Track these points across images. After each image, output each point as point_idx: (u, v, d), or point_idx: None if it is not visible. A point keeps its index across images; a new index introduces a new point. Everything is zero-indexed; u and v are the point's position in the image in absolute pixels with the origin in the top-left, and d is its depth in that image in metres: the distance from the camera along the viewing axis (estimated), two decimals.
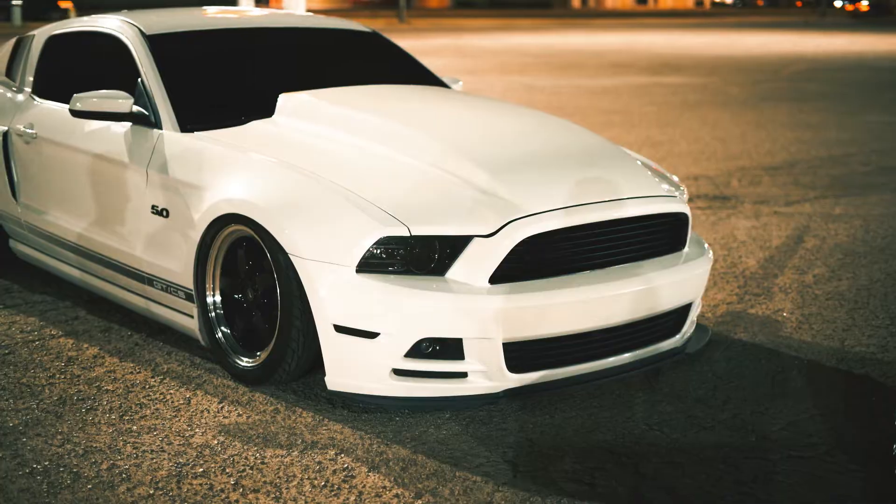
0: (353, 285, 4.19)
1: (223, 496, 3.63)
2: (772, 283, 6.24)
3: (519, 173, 4.53)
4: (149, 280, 5.09)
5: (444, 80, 6.33)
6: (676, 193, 4.86)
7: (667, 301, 4.61)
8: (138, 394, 4.52)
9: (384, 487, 3.70)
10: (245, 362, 4.64)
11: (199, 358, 4.94)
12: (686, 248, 4.86)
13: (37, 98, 6.06)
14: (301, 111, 5.08)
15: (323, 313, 4.25)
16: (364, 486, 3.71)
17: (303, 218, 4.33)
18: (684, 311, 4.80)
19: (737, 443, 4.09)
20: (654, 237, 4.72)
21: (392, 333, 4.18)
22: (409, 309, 4.14)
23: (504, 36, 38.66)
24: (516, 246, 4.25)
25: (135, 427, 4.19)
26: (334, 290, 4.21)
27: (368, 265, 4.20)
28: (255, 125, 5.06)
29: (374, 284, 4.17)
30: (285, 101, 5.14)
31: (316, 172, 4.49)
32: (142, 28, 5.60)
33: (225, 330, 4.74)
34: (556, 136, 5.06)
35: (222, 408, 4.37)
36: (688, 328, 4.84)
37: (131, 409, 4.36)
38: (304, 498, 3.63)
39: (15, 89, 6.28)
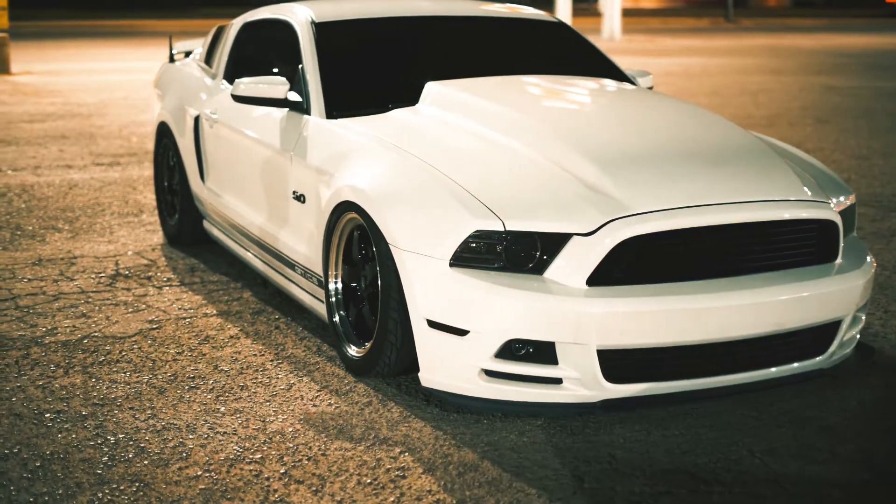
0: (445, 279, 4.03)
1: (265, 484, 3.57)
2: None
3: (635, 170, 4.21)
4: (291, 265, 5.12)
5: (630, 73, 6.00)
6: (826, 199, 4.37)
7: (804, 316, 4.16)
8: (248, 376, 4.54)
9: (429, 491, 3.52)
10: (353, 351, 4.57)
11: (328, 345, 4.91)
12: (838, 259, 4.38)
13: (224, 83, 6.23)
14: (440, 100, 4.94)
15: (416, 306, 4.11)
16: (409, 489, 3.54)
17: (403, 207, 4.21)
18: (832, 328, 4.32)
19: (844, 479, 3.62)
20: (795, 245, 4.27)
21: (481, 332, 3.98)
22: (498, 307, 3.94)
23: (831, 36, 36.76)
24: (620, 247, 3.96)
25: (223, 409, 4.20)
26: (427, 283, 4.07)
27: (463, 259, 4.03)
28: (395, 113, 4.97)
29: (465, 279, 3.99)
30: (429, 89, 5.03)
31: (428, 162, 4.35)
32: (313, 15, 5.64)
33: (342, 314, 4.68)
34: (695, 133, 4.67)
35: (317, 396, 4.32)
36: (836, 348, 4.36)
37: (231, 391, 4.38)
38: (343, 493, 3.51)
39: (211, 76, 6.48)
